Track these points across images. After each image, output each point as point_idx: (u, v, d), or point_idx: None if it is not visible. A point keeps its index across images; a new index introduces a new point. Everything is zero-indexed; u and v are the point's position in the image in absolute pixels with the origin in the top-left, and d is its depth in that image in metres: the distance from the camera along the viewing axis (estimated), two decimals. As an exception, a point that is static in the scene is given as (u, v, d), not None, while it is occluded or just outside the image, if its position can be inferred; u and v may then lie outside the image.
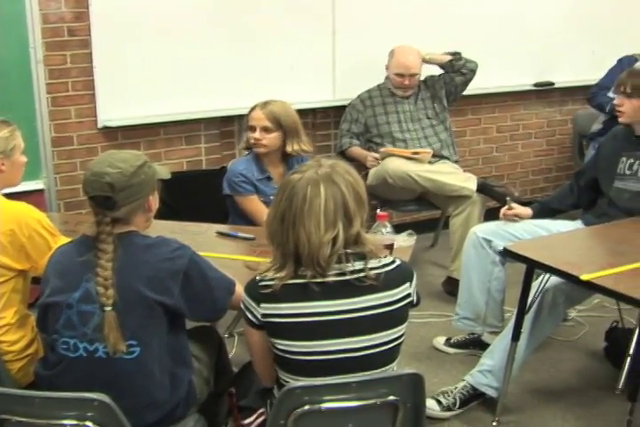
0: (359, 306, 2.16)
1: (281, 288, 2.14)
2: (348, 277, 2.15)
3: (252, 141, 3.63)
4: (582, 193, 3.80)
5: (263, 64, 4.70)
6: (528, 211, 3.72)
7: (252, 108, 3.66)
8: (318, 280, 2.14)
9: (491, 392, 3.33)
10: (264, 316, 2.17)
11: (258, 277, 2.19)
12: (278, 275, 2.16)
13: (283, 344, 2.18)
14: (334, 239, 2.13)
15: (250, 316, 2.21)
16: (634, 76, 3.54)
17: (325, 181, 2.14)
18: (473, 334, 3.84)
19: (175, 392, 2.32)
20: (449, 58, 4.85)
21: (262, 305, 2.16)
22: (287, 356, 2.19)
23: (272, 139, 3.61)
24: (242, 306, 2.23)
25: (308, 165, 2.22)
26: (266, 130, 3.59)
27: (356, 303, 2.15)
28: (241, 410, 2.44)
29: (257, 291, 2.17)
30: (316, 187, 2.13)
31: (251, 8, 4.59)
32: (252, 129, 3.62)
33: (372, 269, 2.17)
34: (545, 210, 3.79)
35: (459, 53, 4.87)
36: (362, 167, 4.53)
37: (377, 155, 4.62)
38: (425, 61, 4.85)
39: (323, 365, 2.17)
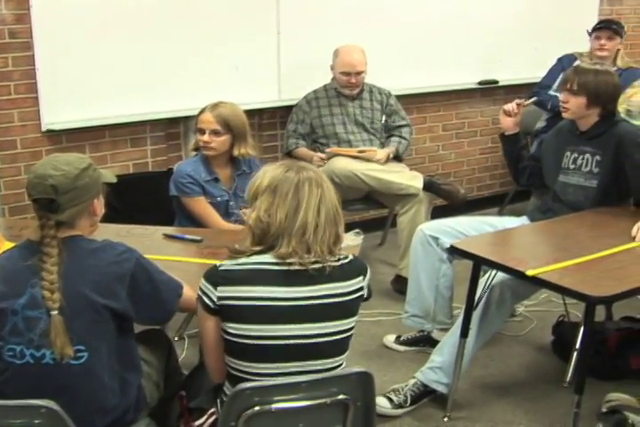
0: (314, 294, 2.20)
1: (241, 273, 2.19)
2: (307, 267, 2.20)
3: (202, 144, 3.62)
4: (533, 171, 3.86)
5: (208, 64, 4.67)
6: (517, 129, 3.86)
7: (202, 111, 3.64)
8: (279, 268, 2.19)
9: (441, 389, 3.35)
10: (220, 298, 2.19)
11: (218, 264, 2.23)
12: (246, 260, 2.21)
13: (235, 328, 2.20)
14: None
15: (206, 299, 2.22)
16: (580, 74, 3.56)
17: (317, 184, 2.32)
18: (423, 331, 3.86)
19: (125, 397, 2.30)
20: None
21: (219, 288, 2.19)
22: (238, 340, 2.20)
23: (221, 142, 3.59)
24: (198, 292, 2.25)
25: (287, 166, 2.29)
26: (215, 133, 3.57)
27: (311, 291, 2.20)
28: (191, 412, 2.43)
29: (216, 275, 2.21)
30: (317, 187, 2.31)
31: (194, 8, 4.56)
32: (202, 132, 3.60)
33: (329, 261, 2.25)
34: (520, 140, 3.91)
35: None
36: (309, 167, 4.52)
37: (323, 155, 4.63)
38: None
39: (273, 350, 2.20)
